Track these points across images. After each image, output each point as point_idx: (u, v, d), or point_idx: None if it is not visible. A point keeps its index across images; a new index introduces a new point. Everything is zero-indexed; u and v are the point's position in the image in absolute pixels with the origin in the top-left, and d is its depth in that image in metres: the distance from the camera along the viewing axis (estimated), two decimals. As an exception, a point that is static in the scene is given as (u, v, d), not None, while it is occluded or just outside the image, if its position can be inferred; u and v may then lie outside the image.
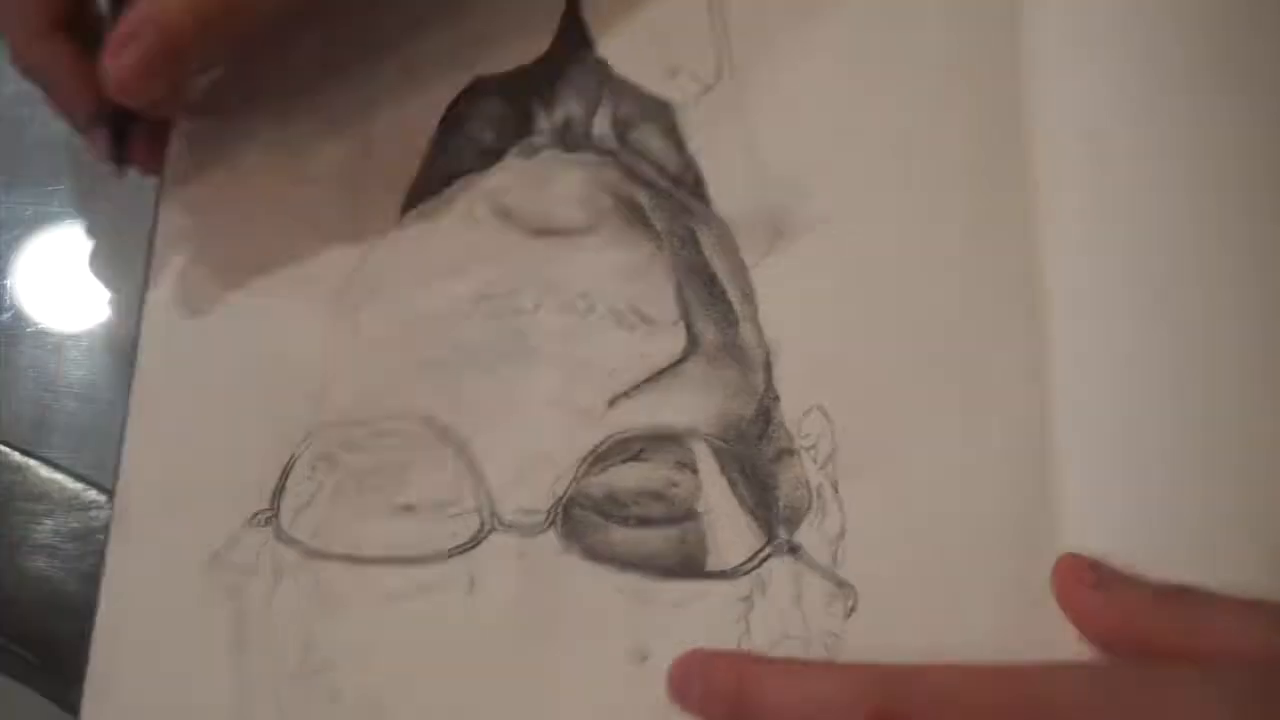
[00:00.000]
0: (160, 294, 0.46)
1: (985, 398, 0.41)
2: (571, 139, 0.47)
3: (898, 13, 0.47)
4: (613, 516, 0.42)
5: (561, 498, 0.42)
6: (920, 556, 0.40)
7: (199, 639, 0.42)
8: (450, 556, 0.42)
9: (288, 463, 0.44)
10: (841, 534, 0.41)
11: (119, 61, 0.43)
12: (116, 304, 0.50)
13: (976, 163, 0.44)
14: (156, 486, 0.44)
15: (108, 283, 0.51)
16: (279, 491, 0.43)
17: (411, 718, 0.41)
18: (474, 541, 0.42)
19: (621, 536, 0.42)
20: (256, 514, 0.43)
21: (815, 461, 0.42)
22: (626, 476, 0.42)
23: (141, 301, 0.46)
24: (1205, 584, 0.37)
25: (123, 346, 0.47)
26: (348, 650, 0.42)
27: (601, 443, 0.43)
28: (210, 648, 0.42)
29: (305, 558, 0.43)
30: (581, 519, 0.42)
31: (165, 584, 0.43)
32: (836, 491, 0.41)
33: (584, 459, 0.42)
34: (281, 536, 0.43)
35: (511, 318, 0.44)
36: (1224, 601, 0.37)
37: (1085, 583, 0.38)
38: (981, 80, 0.45)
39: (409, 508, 0.43)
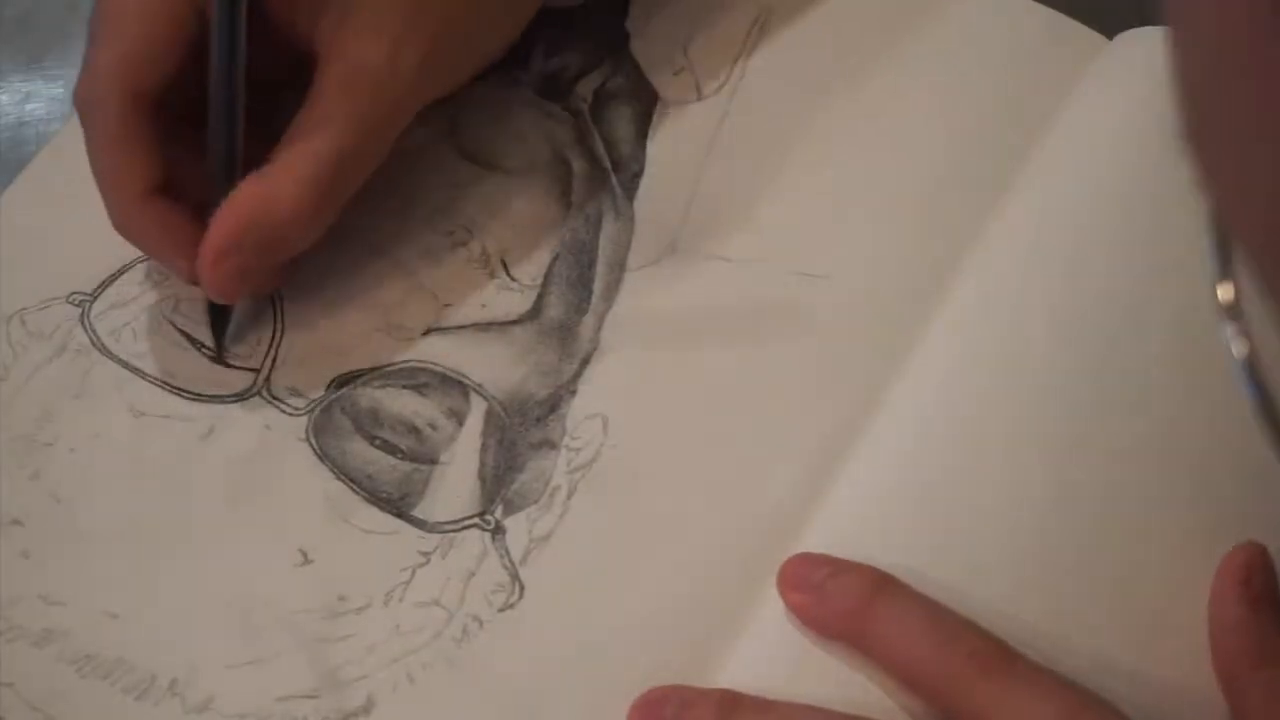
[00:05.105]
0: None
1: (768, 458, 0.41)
2: (551, 88, 0.47)
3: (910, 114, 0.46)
4: (362, 430, 0.41)
5: (326, 396, 0.42)
6: (611, 582, 0.39)
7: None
8: (205, 401, 0.42)
9: (125, 265, 0.44)
10: (547, 537, 0.40)
11: (217, 273, 0.40)
12: None
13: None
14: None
15: None
16: (106, 283, 0.44)
17: (93, 511, 0.41)
18: (236, 397, 0.42)
19: (358, 450, 0.41)
20: (74, 293, 0.44)
21: (569, 464, 0.41)
22: (397, 401, 0.42)
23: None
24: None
25: None
26: (73, 431, 0.42)
27: (395, 363, 0.42)
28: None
29: (90, 348, 0.43)
30: (335, 421, 0.42)
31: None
32: (569, 498, 0.40)
33: (370, 369, 0.42)
34: (84, 320, 0.43)
35: (393, 220, 0.44)
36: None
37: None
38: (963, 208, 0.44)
39: (202, 346, 0.43)
